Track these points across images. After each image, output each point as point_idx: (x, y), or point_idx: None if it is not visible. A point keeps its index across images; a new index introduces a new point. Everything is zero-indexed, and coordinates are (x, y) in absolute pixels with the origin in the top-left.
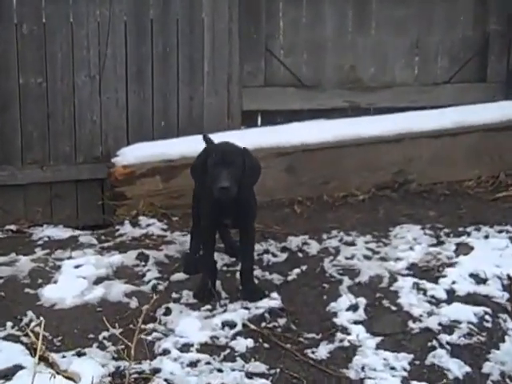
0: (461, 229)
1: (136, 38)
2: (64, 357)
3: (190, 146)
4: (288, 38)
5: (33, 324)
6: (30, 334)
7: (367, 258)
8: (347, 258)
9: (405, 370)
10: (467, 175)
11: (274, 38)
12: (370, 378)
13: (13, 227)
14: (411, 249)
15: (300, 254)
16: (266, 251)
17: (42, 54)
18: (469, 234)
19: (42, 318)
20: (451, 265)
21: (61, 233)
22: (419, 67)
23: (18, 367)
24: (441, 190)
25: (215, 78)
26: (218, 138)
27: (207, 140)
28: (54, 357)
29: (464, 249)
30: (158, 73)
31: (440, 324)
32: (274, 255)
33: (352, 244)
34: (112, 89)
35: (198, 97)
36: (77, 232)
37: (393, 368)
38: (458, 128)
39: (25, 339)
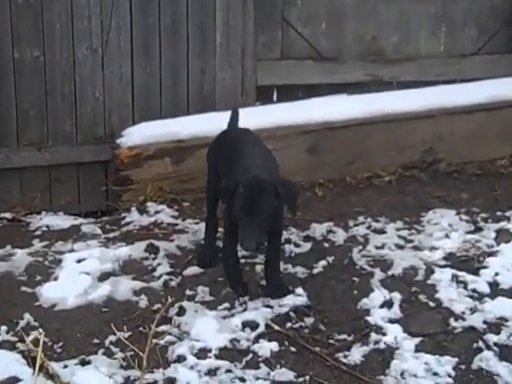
0: (499, 213)
1: (142, 7)
2: (66, 366)
3: (202, 124)
4: (306, 5)
5: (31, 336)
6: (28, 342)
7: (399, 247)
8: (377, 248)
9: (449, 375)
10: (500, 153)
11: (291, 6)
12: None
13: (8, 215)
14: (447, 236)
15: (325, 244)
16: (288, 241)
17: (39, 25)
18: (509, 219)
19: (41, 331)
20: (492, 254)
21: (61, 221)
22: (445, 37)
23: (14, 379)
24: (472, 170)
25: (228, 50)
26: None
27: (234, 116)
28: (55, 367)
29: (505, 236)
30: (166, 44)
31: (485, 322)
32: (297, 245)
33: (382, 231)
34: (116, 63)
35: (209, 70)
36: (79, 220)
37: (435, 374)
38: (493, 103)
39: (21, 346)
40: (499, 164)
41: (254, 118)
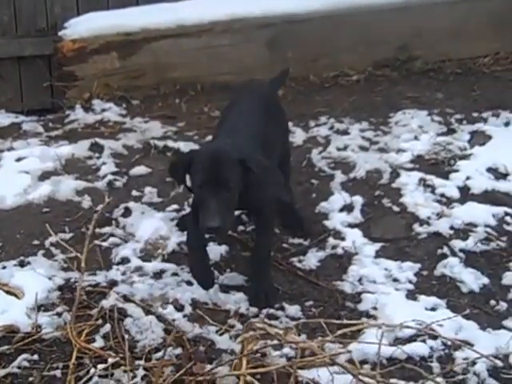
0: (475, 114)
1: None
2: (4, 268)
3: (152, 16)
4: None
5: None
6: None
7: (364, 149)
8: (339, 149)
9: (410, 281)
10: (483, 50)
11: None
12: (368, 291)
13: None
14: (416, 138)
15: None
16: None
17: None
18: (485, 121)
19: None
20: (465, 157)
21: (1, 119)
22: None
23: None
24: (451, 69)
25: None
26: (187, 6)
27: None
28: None
29: (480, 138)
30: None
31: (452, 228)
32: None
33: (345, 132)
34: None
35: None
36: (20, 118)
37: (396, 280)
38: None
39: None
40: (482, 62)
41: (209, 9)
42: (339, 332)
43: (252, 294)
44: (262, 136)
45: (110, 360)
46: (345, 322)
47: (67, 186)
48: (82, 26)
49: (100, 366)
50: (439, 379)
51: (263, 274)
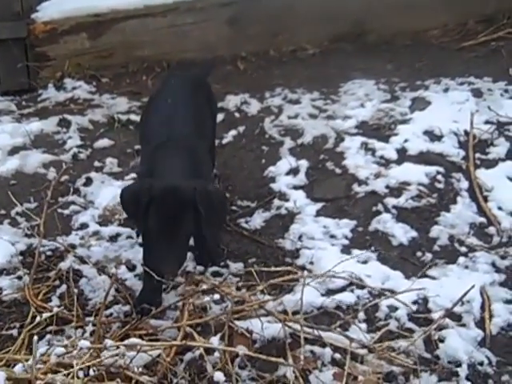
0: (418, 82)
1: None
2: None
3: None
4: None
5: None
6: None
7: (312, 116)
8: (290, 118)
9: (346, 237)
10: (433, 23)
11: None
12: (306, 247)
13: None
14: (362, 106)
15: (237, 115)
16: None
17: None
18: (427, 88)
19: None
20: (404, 122)
21: None
22: None
23: None
24: (402, 41)
25: None
26: None
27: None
28: None
29: (420, 104)
30: None
31: (387, 187)
32: None
33: (297, 102)
34: None
35: None
36: None
37: (333, 236)
38: None
39: None
40: (432, 34)
41: None
42: (269, 282)
43: (197, 254)
44: (196, 121)
45: (55, 310)
46: (272, 269)
47: (34, 160)
48: (53, 9)
49: (45, 315)
50: (363, 325)
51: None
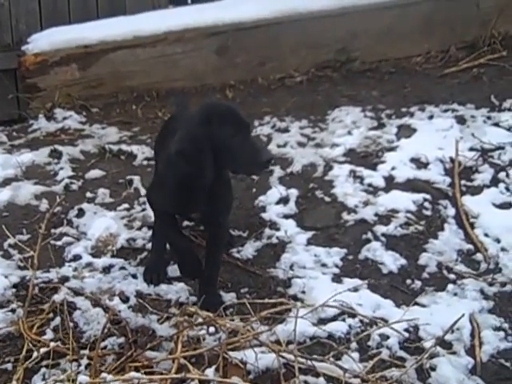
0: (404, 109)
1: None
2: None
3: (111, 29)
4: None
5: None
6: None
7: (301, 145)
8: (279, 146)
9: (336, 266)
10: (416, 50)
11: None
12: (298, 276)
13: None
14: (349, 133)
15: None
16: None
17: None
18: (412, 115)
19: None
20: (391, 149)
21: None
22: None
23: None
24: (386, 68)
25: None
26: (142, 18)
27: (179, 103)
28: None
29: (406, 131)
30: None
31: (376, 214)
32: None
33: (285, 130)
34: None
35: None
36: None
37: (324, 265)
38: None
39: None
40: (415, 61)
41: (163, 21)
42: (263, 313)
43: (206, 304)
44: None
45: (51, 345)
46: (266, 301)
47: (26, 191)
48: (44, 41)
49: (42, 350)
50: (355, 354)
51: (214, 287)
